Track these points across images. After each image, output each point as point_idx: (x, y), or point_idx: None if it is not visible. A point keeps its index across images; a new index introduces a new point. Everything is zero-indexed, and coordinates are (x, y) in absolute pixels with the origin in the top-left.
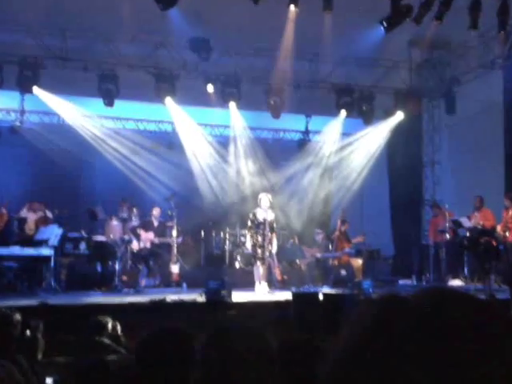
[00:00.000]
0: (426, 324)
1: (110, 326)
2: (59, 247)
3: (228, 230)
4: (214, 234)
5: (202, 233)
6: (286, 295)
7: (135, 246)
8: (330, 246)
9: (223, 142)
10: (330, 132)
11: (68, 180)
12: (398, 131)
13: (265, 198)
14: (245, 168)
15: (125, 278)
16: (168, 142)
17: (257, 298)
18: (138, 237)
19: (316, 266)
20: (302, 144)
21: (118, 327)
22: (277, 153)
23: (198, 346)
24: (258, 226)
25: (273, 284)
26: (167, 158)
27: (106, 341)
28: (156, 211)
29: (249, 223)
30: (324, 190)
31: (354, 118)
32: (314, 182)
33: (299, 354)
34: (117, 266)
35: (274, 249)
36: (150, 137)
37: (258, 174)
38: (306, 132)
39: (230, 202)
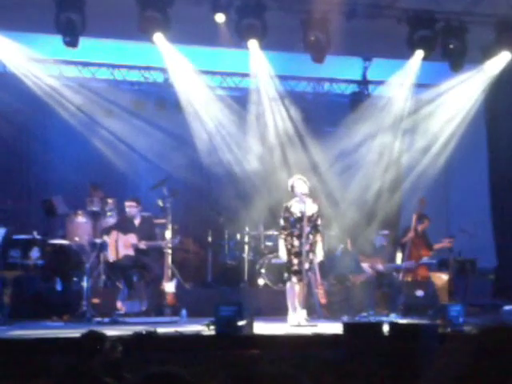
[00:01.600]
0: None
1: (107, 344)
2: (1, 255)
3: (248, 229)
4: (226, 236)
5: (210, 234)
6: (334, 327)
7: (111, 253)
8: (401, 255)
9: (240, 99)
10: (399, 83)
11: (11, 155)
12: (502, 81)
13: (299, 183)
14: (273, 136)
15: (96, 300)
16: (158, 99)
17: (291, 331)
18: (115, 240)
19: (379, 283)
20: (358, 101)
21: (120, 349)
22: (320, 114)
23: None
24: (293, 223)
25: (315, 311)
26: (157, 123)
27: (99, 372)
28: (130, 205)
29: (281, 221)
30: (391, 171)
31: (436, 62)
32: (375, 157)
33: None
34: (85, 284)
35: (318, 258)
36: (132, 91)
37: (293, 145)
38: (364, 83)
39: (251, 189)
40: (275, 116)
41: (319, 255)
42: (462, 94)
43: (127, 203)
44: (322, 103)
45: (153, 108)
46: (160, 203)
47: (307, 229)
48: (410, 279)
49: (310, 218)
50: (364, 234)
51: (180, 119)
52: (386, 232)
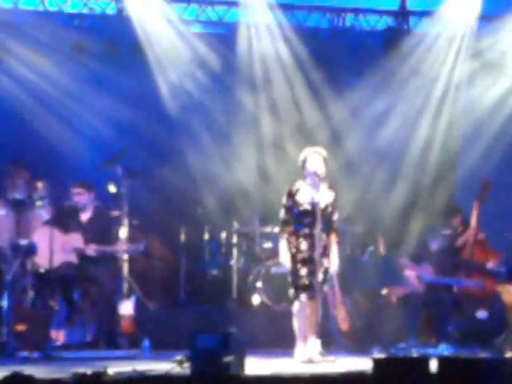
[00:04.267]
0: None
1: None
2: None
3: (237, 225)
4: (207, 235)
5: (183, 232)
6: (360, 363)
7: (44, 259)
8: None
9: (226, 38)
10: (452, 15)
11: None
12: None
13: (313, 159)
14: (275, 91)
15: (21, 327)
16: (108, 39)
17: (299, 369)
18: (49, 241)
19: (424, 301)
20: (394, 40)
21: None
22: (342, 59)
23: None
24: (300, 218)
25: (333, 340)
26: (107, 72)
27: None
28: (78, 192)
29: (281, 212)
30: (442, 140)
31: None
32: (421, 122)
33: None
34: (5, 303)
35: (334, 266)
36: (71, 28)
37: (304, 104)
38: (403, 14)
39: (242, 166)
40: (277, 62)
41: (335, 264)
42: None
43: (74, 190)
44: (344, 44)
45: (101, 51)
46: (112, 189)
47: (320, 225)
48: (468, 295)
49: (323, 211)
50: (406, 232)
51: (140, 67)
52: (447, 231)
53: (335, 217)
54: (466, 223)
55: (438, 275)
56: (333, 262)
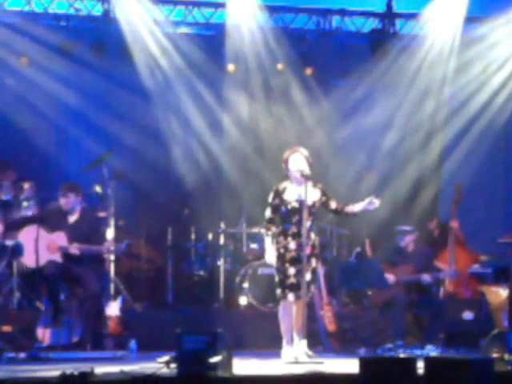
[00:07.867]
0: None
1: None
2: None
3: (223, 226)
4: (193, 236)
5: (170, 233)
6: (347, 364)
7: (29, 259)
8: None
9: (212, 39)
10: (438, 17)
11: None
12: None
13: (296, 158)
14: (260, 93)
15: (7, 328)
16: (95, 40)
17: (285, 370)
18: (35, 240)
19: (410, 303)
20: (380, 42)
21: None
22: (327, 61)
23: None
24: (288, 216)
25: (320, 341)
26: (93, 73)
27: None
28: (67, 196)
29: (267, 212)
30: (428, 141)
31: None
32: (405, 122)
33: None
34: None
35: (321, 267)
36: (57, 28)
37: (289, 105)
38: (389, 16)
39: (229, 167)
40: (263, 64)
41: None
42: None
43: (62, 193)
44: (330, 46)
45: (87, 52)
46: (98, 189)
47: (308, 223)
48: (453, 296)
49: (310, 209)
50: (389, 233)
51: (126, 69)
52: (407, 228)
53: (333, 205)
54: (443, 226)
55: (415, 275)
56: (320, 263)
